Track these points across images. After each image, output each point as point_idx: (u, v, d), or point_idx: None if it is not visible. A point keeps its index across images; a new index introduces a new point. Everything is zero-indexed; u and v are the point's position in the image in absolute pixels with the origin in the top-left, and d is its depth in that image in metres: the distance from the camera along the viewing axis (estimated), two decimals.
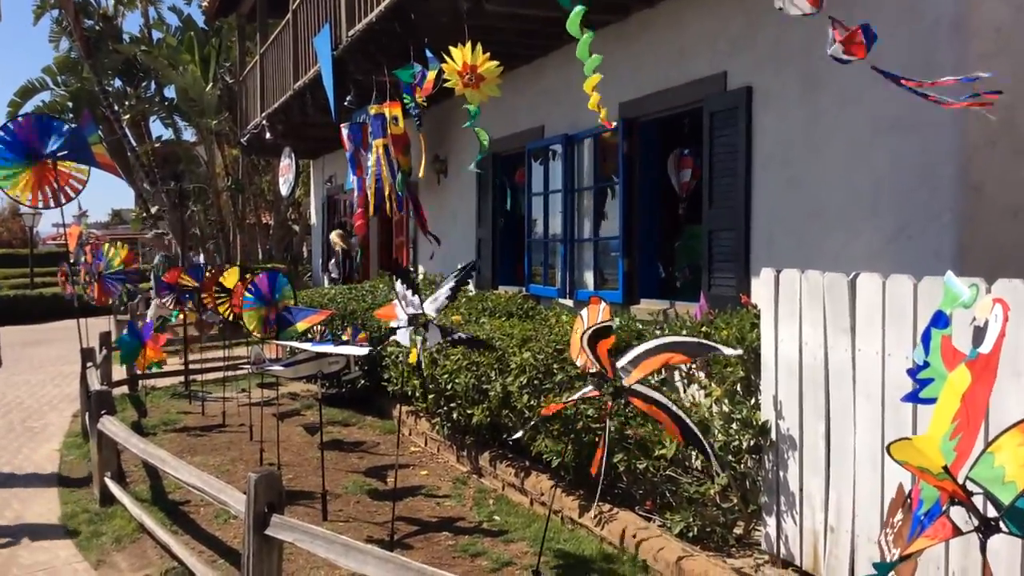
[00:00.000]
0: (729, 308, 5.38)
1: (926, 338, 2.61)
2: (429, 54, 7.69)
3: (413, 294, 4.63)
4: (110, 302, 10.21)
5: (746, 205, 5.97)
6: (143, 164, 24.00)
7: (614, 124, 5.60)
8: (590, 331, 3.83)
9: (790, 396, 4.15)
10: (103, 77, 23.05)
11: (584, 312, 4.27)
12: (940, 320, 2.57)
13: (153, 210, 25.16)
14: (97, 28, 24.29)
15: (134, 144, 24.53)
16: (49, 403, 10.47)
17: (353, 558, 3.21)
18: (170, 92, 25.26)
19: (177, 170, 26.06)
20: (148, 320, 10.99)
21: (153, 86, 25.65)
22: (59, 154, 6.22)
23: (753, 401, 4.53)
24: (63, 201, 6.41)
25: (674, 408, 3.89)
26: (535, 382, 5.39)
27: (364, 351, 5.38)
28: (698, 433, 3.89)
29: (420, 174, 10.22)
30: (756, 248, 5.91)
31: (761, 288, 4.38)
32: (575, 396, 4.16)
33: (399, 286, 4.74)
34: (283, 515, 3.71)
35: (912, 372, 2.71)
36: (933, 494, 2.21)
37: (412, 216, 9.68)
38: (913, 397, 2.72)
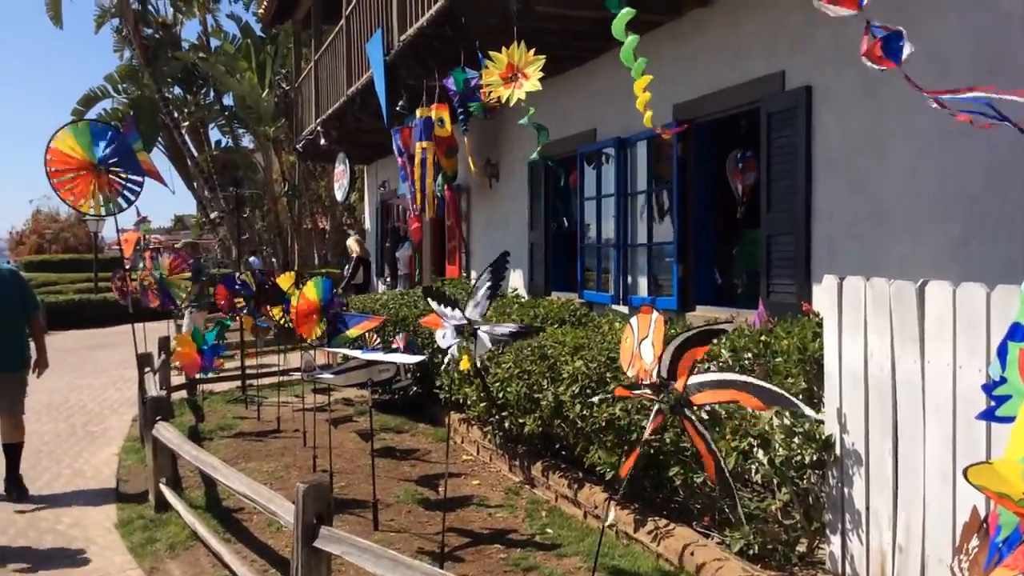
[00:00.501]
0: (789, 316, 5.21)
1: (1002, 352, 2.45)
2: (482, 58, 7.64)
3: (452, 309, 4.52)
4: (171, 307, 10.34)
5: (806, 209, 5.79)
6: (202, 171, 24.43)
7: (659, 128, 5.47)
8: (692, 334, 3.66)
9: (855, 409, 3.99)
10: (163, 85, 23.52)
11: (634, 321, 4.15)
12: (1018, 332, 2.41)
13: (212, 216, 25.59)
14: (157, 36, 24.80)
15: (193, 151, 25.00)
16: (110, 407, 10.65)
17: (401, 573, 3.13)
18: (228, 99, 25.70)
19: (236, 176, 26.46)
20: (184, 330, 11.09)
21: (212, 93, 26.10)
22: (110, 161, 6.28)
23: (816, 414, 4.36)
24: (124, 207, 6.51)
25: (739, 377, 3.72)
26: (587, 391, 5.27)
27: (415, 359, 5.32)
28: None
29: (474, 174, 10.21)
30: (817, 254, 5.72)
31: (824, 296, 4.21)
32: (647, 431, 4.01)
33: (483, 280, 4.60)
34: (332, 526, 3.65)
35: (987, 388, 2.54)
36: (1012, 520, 2.06)
37: (456, 219, 9.62)
38: (989, 415, 2.55)
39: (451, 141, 9.51)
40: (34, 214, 48.46)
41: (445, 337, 4.75)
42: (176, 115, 24.09)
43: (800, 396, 4.52)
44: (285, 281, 7.49)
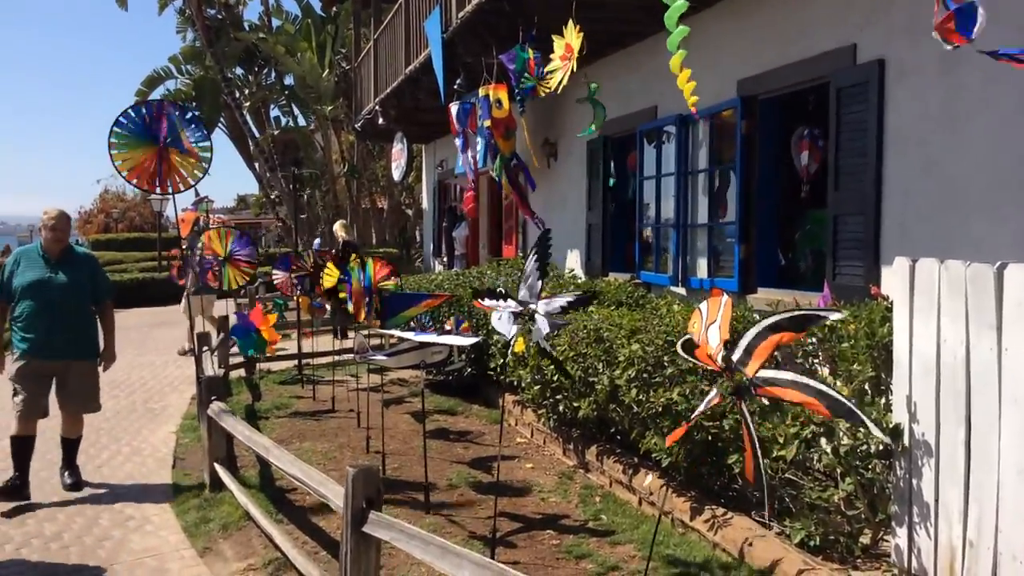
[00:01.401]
0: (856, 299, 4.99)
1: None
2: (534, 52, 7.52)
3: (505, 300, 4.38)
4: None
5: (876, 188, 5.55)
6: (263, 151, 24.68)
7: (696, 110, 5.28)
8: (785, 317, 3.48)
9: (925, 398, 3.78)
10: (224, 65, 23.78)
11: (704, 305, 3.99)
12: None
13: (272, 195, 25.87)
14: (219, 17, 25.05)
15: (255, 131, 25.26)
16: (170, 384, 10.80)
17: (449, 561, 3.05)
18: (289, 80, 25.89)
19: (296, 156, 26.72)
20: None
21: (273, 74, 26.33)
22: (167, 140, 6.29)
23: (884, 402, 4.17)
24: (181, 188, 6.51)
25: (813, 383, 3.50)
26: (644, 375, 5.13)
27: (468, 341, 5.23)
28: (847, 403, 3.41)
29: (533, 159, 10.07)
30: (887, 235, 5.48)
31: (894, 278, 4.01)
32: (700, 408, 3.85)
33: (531, 264, 4.44)
34: (381, 511, 3.59)
35: None
36: None
37: (518, 199, 9.48)
38: None
39: (509, 122, 9.36)
40: (101, 194, 49.59)
41: (501, 320, 4.65)
42: (237, 95, 24.35)
43: (867, 383, 4.34)
44: (333, 270, 7.42)
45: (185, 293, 13.47)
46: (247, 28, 25.81)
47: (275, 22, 26.09)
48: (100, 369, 6.35)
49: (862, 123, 5.68)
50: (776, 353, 4.29)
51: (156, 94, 26.04)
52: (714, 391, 3.77)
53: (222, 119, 27.29)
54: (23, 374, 5.97)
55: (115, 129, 6.22)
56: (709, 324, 3.95)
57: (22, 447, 6.00)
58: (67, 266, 6.09)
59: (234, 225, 13.98)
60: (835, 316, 3.67)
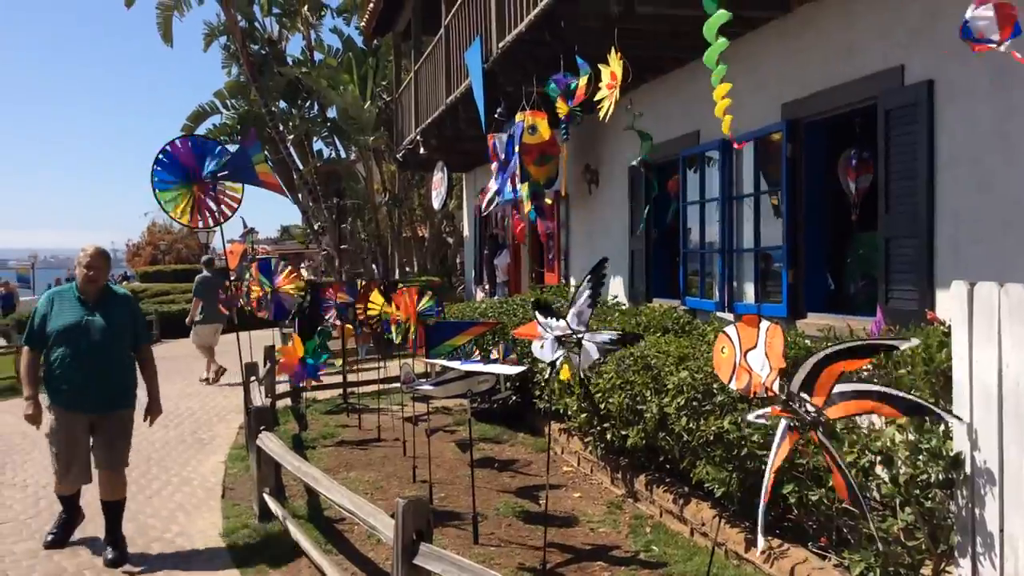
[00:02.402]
0: (911, 324, 4.88)
1: None
2: (581, 61, 7.53)
3: (557, 320, 4.38)
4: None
5: (928, 210, 5.44)
6: (306, 182, 24.99)
7: (735, 136, 5.26)
8: (846, 347, 3.43)
9: (987, 425, 3.67)
10: (269, 99, 24.16)
11: (731, 330, 3.93)
12: None
13: (316, 226, 26.14)
14: (263, 52, 25.50)
15: (298, 163, 25.60)
16: (218, 414, 10.89)
17: None
18: (332, 112, 26.22)
19: (339, 187, 26.99)
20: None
21: (316, 107, 26.69)
22: (220, 175, 6.34)
23: (943, 429, 4.05)
24: (220, 220, 6.54)
25: (874, 388, 3.48)
26: (694, 403, 5.06)
27: (514, 371, 5.21)
28: (913, 399, 3.46)
29: (563, 191, 10.06)
30: (941, 258, 5.37)
31: (952, 303, 3.91)
32: (779, 454, 3.74)
33: (584, 289, 4.47)
34: (431, 543, 3.56)
35: None
36: None
37: (552, 228, 9.45)
38: None
39: (544, 148, 9.34)
40: (149, 226, 50.55)
41: (544, 348, 4.63)
42: (281, 128, 24.70)
43: None
44: (377, 298, 7.47)
45: (190, 321, 13.82)
46: (290, 63, 26.24)
47: (317, 56, 26.52)
48: (147, 423, 5.85)
49: (912, 145, 5.60)
50: None
51: (202, 129, 26.51)
52: (781, 427, 3.69)
53: (267, 152, 27.71)
54: (58, 429, 5.46)
55: (154, 175, 6.30)
56: (747, 350, 3.88)
57: (69, 503, 5.75)
58: (105, 308, 5.53)
59: (278, 256, 14.19)
60: (905, 344, 3.61)
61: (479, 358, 5.79)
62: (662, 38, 7.68)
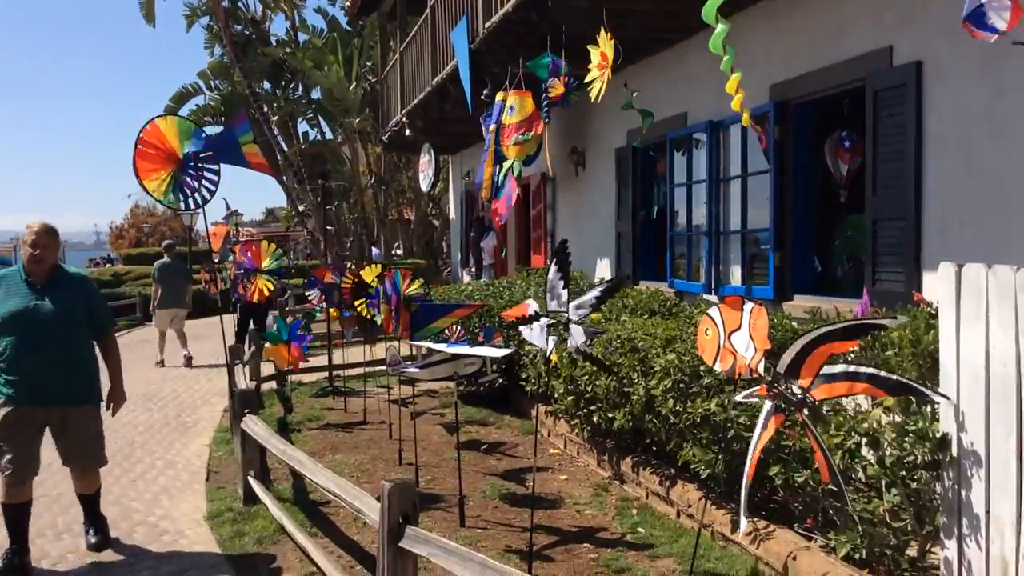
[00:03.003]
0: (898, 306, 4.88)
1: None
2: (559, 61, 7.48)
3: (563, 288, 4.36)
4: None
5: (916, 192, 5.44)
6: (291, 164, 24.82)
7: (758, 128, 5.23)
8: (837, 328, 3.42)
9: (974, 407, 3.67)
10: (252, 80, 23.95)
11: (715, 312, 3.91)
12: None
13: (301, 208, 26.00)
14: (246, 32, 25.25)
15: (283, 145, 25.41)
16: (202, 397, 10.82)
17: None
18: (316, 93, 26.02)
19: (325, 169, 26.83)
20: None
21: (300, 88, 26.48)
22: (202, 155, 6.24)
23: (930, 410, 4.05)
24: (200, 203, 6.43)
25: (863, 369, 3.46)
26: (680, 386, 5.05)
27: (501, 353, 5.18)
28: (900, 379, 3.46)
29: (549, 170, 10.00)
30: (928, 240, 5.37)
31: (939, 285, 3.90)
32: (764, 436, 3.74)
33: (552, 274, 4.46)
34: (417, 526, 3.54)
35: None
36: None
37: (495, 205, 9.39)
38: None
39: (524, 126, 9.18)
40: (132, 209, 50.19)
41: (533, 332, 4.61)
42: (265, 110, 24.50)
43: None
44: (369, 274, 7.43)
45: (152, 308, 13.89)
46: (274, 43, 25.99)
47: (302, 37, 26.27)
48: (109, 413, 5.31)
49: (900, 126, 5.58)
50: None
51: (185, 110, 26.27)
52: (765, 410, 3.67)
53: (254, 133, 27.50)
54: (7, 426, 4.79)
55: (136, 157, 6.17)
56: (731, 332, 3.87)
57: (16, 515, 4.91)
58: (56, 291, 4.94)
59: (264, 238, 14.11)
60: (894, 323, 3.59)
61: (467, 340, 5.76)
62: (651, 18, 7.63)
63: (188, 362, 13.59)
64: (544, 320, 4.44)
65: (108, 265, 36.78)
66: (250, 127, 6.73)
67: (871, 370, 3.34)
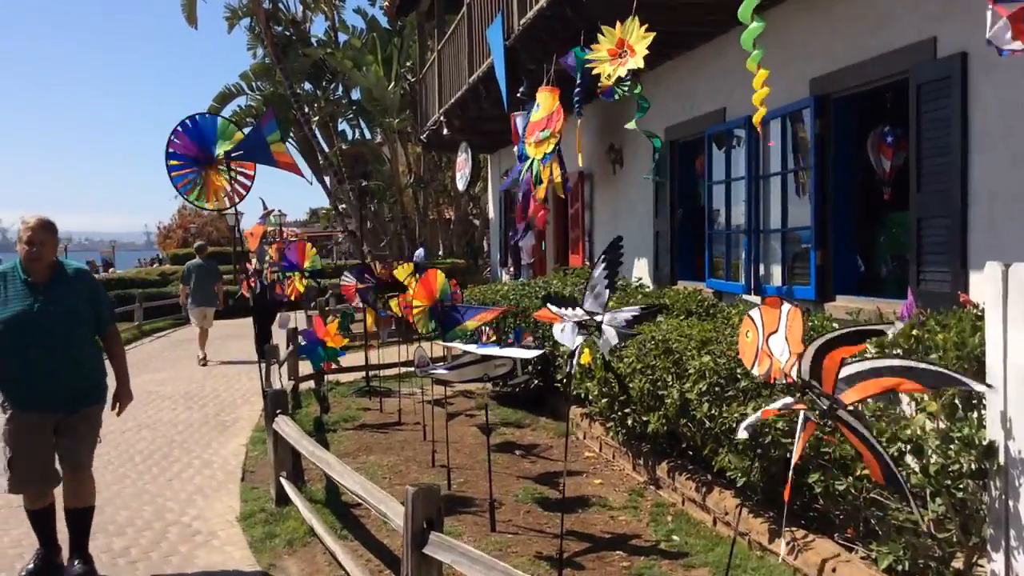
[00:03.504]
0: (943, 307, 4.70)
1: None
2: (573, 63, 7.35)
3: (573, 308, 4.24)
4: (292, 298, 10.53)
5: (962, 188, 5.23)
6: (331, 164, 24.96)
7: (759, 125, 5.07)
8: (838, 335, 3.27)
9: (1022, 413, 3.50)
10: (293, 81, 24.11)
11: (756, 313, 3.78)
12: None
13: (341, 208, 26.13)
14: (287, 33, 25.43)
15: (323, 145, 25.55)
16: (242, 396, 10.89)
17: None
18: (356, 94, 26.14)
19: (366, 169, 26.95)
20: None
21: (340, 88, 26.61)
22: (233, 154, 6.22)
23: (976, 416, 3.88)
24: (236, 200, 6.42)
25: (895, 362, 3.28)
26: (716, 389, 4.91)
27: (532, 354, 5.09)
28: (938, 368, 3.22)
29: (579, 162, 9.85)
30: (974, 238, 5.16)
31: (985, 285, 3.72)
32: (776, 405, 3.63)
33: (599, 271, 4.31)
34: (442, 531, 3.47)
35: None
36: None
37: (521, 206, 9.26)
38: None
39: (542, 124, 9.04)
40: (179, 209, 50.86)
41: (564, 332, 4.51)
42: (306, 110, 24.66)
43: (957, 397, 4.06)
44: (402, 273, 7.38)
45: (184, 306, 14.57)
46: (314, 44, 26.14)
47: (341, 37, 26.40)
48: (115, 412, 5.05)
49: (945, 120, 5.38)
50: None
51: (227, 111, 26.56)
52: (802, 418, 3.54)
53: (292, 134, 27.71)
54: (17, 435, 4.61)
55: (171, 162, 6.18)
56: (770, 334, 3.74)
57: (40, 519, 4.80)
58: (58, 289, 4.69)
59: (307, 238, 14.31)
60: (888, 328, 3.41)
61: (497, 341, 5.67)
62: (689, 11, 7.47)
63: (203, 361, 14.10)
64: (577, 315, 4.32)
65: (155, 265, 37.31)
66: (277, 126, 6.70)
67: (905, 362, 3.16)
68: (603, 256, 4.28)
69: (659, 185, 9.51)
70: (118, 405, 5.03)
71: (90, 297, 4.84)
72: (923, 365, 3.12)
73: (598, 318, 4.36)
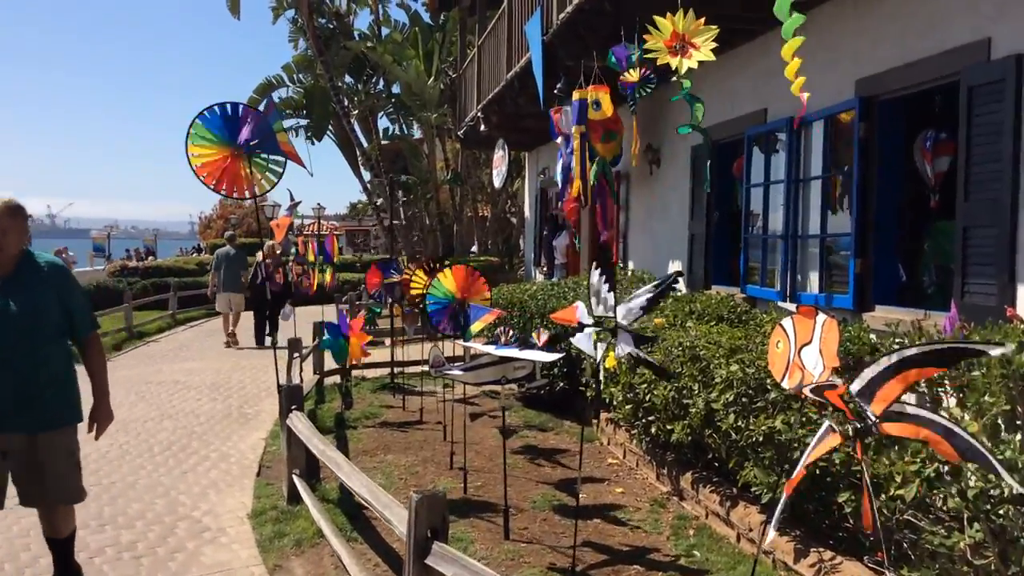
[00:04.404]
0: (989, 322, 4.44)
1: None
2: (625, 50, 7.18)
3: (609, 290, 4.08)
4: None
5: (1013, 197, 4.96)
6: (369, 158, 24.96)
7: (805, 108, 4.85)
8: (926, 351, 2.90)
9: None
10: (334, 74, 24.10)
11: (788, 323, 3.56)
12: None
13: (378, 202, 26.12)
14: (330, 26, 25.44)
15: (362, 139, 25.55)
16: (267, 388, 10.81)
17: None
18: (397, 88, 26.10)
19: (405, 165, 26.91)
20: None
21: (381, 82, 26.58)
22: (251, 143, 6.13)
23: (1019, 439, 3.64)
24: (256, 192, 6.33)
25: (940, 419, 2.96)
26: (743, 400, 4.69)
27: (551, 357, 4.90)
28: (978, 446, 2.89)
29: (633, 162, 9.66)
30: None
31: None
32: (815, 452, 3.35)
33: (595, 278, 4.19)
34: (447, 542, 3.31)
35: None
36: None
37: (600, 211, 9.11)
38: None
39: (609, 124, 8.98)
40: (220, 200, 51.33)
41: (582, 339, 4.34)
42: (346, 103, 24.65)
43: (999, 418, 3.80)
44: (419, 282, 7.23)
45: (211, 292, 15.69)
46: (357, 37, 26.13)
47: (384, 31, 26.36)
48: (91, 434, 4.26)
49: (997, 125, 5.10)
50: None
51: None
52: (825, 426, 3.31)
53: (330, 127, 27.76)
54: None
55: (196, 121, 6.10)
56: (802, 345, 3.51)
57: None
58: (22, 285, 3.95)
59: (345, 232, 14.42)
60: (997, 352, 3.00)
61: (517, 342, 5.48)
62: (730, 8, 7.23)
63: (229, 342, 15.08)
64: (589, 328, 4.17)
65: (196, 254, 37.63)
66: (278, 116, 6.68)
67: (951, 425, 2.86)
68: (656, 283, 4.14)
69: (696, 187, 9.27)
70: (95, 426, 4.26)
71: (62, 296, 4.07)
72: (968, 437, 2.81)
73: (611, 321, 4.19)
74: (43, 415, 3.99)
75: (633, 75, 7.83)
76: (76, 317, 4.16)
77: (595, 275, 4.21)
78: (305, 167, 6.42)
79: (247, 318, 15.48)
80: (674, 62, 6.23)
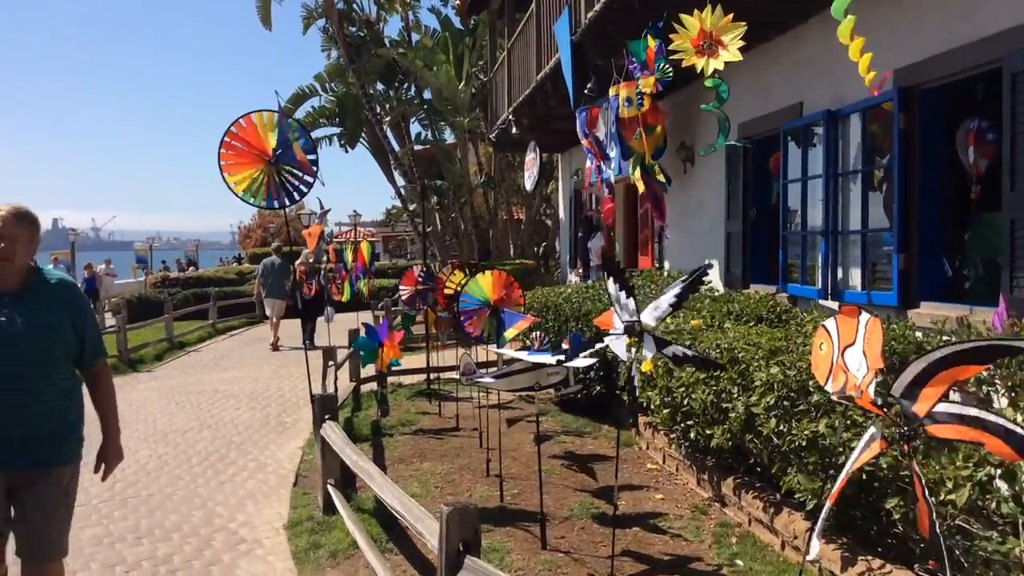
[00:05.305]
0: None
1: None
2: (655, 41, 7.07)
3: (627, 297, 3.99)
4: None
5: None
6: (402, 164, 24.99)
7: (877, 92, 4.71)
8: (967, 347, 2.77)
9: None
10: (366, 81, 24.16)
11: (831, 323, 3.42)
12: None
13: (411, 208, 26.14)
14: (360, 34, 25.51)
15: (395, 145, 25.59)
16: (305, 397, 10.74)
17: None
18: (428, 94, 26.12)
19: (439, 170, 26.91)
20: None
21: (412, 88, 26.60)
22: (278, 152, 6.12)
23: None
24: (288, 202, 6.33)
25: (997, 419, 2.78)
26: (785, 403, 4.54)
27: (585, 363, 4.79)
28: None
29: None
30: None
31: None
32: (856, 457, 3.21)
33: (611, 287, 4.11)
34: (479, 556, 3.21)
35: None
36: None
37: (653, 204, 8.98)
38: None
39: (647, 118, 8.79)
40: (259, 209, 51.81)
41: (618, 342, 4.24)
42: (378, 111, 24.71)
43: None
44: (459, 276, 7.17)
45: (256, 298, 16.91)
46: (387, 44, 26.17)
47: (415, 37, 26.38)
48: (99, 476, 3.77)
49: None
50: None
51: (301, 112, 26.77)
52: (869, 433, 3.17)
53: (364, 134, 27.85)
54: None
55: (222, 151, 6.11)
56: (845, 346, 3.37)
57: None
58: (29, 301, 3.49)
59: (381, 239, 14.55)
60: None
61: (549, 348, 5.39)
62: (763, 1, 7.07)
63: (275, 346, 16.06)
64: (614, 336, 4.08)
65: (236, 263, 38.00)
66: (289, 126, 6.73)
67: (1006, 422, 2.71)
68: (683, 280, 4.02)
69: (731, 184, 9.10)
70: (103, 466, 3.77)
71: (73, 317, 3.60)
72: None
73: (638, 324, 4.10)
74: (43, 445, 3.49)
75: (648, 82, 7.74)
76: (88, 344, 3.68)
77: (610, 284, 4.16)
78: (316, 177, 6.43)
79: (288, 325, 16.56)
80: (700, 63, 6.09)
